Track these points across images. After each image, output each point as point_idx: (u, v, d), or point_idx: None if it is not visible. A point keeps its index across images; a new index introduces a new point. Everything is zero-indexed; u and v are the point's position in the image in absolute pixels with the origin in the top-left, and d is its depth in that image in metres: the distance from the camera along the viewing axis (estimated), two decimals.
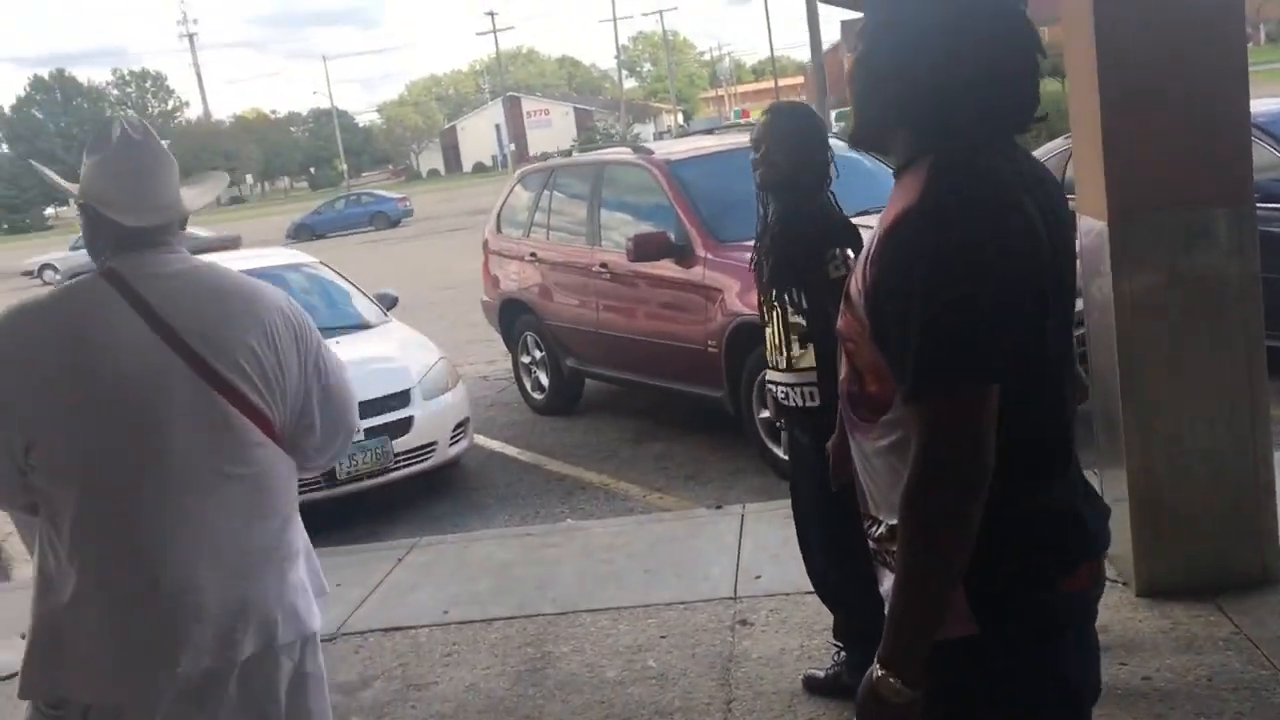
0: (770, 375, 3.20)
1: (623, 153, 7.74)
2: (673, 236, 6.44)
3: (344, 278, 7.74)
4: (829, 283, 2.87)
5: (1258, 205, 3.88)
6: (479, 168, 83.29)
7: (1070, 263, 1.76)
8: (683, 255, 6.40)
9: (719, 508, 5.49)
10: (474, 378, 9.78)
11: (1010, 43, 1.64)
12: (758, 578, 4.51)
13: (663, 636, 4.11)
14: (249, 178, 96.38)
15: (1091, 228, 3.83)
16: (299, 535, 2.30)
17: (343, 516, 6.14)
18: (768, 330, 3.14)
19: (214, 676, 2.13)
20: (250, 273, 7.19)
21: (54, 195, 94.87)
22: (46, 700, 2.12)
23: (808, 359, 3.01)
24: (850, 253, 2.86)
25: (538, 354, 8.07)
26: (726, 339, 6.02)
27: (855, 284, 1.69)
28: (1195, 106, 3.67)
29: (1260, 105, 5.65)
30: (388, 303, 7.55)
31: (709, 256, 6.27)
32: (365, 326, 7.21)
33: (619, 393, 7.90)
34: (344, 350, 6.67)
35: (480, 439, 7.50)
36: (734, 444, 6.40)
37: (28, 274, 32.20)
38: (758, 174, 3.04)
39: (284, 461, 2.25)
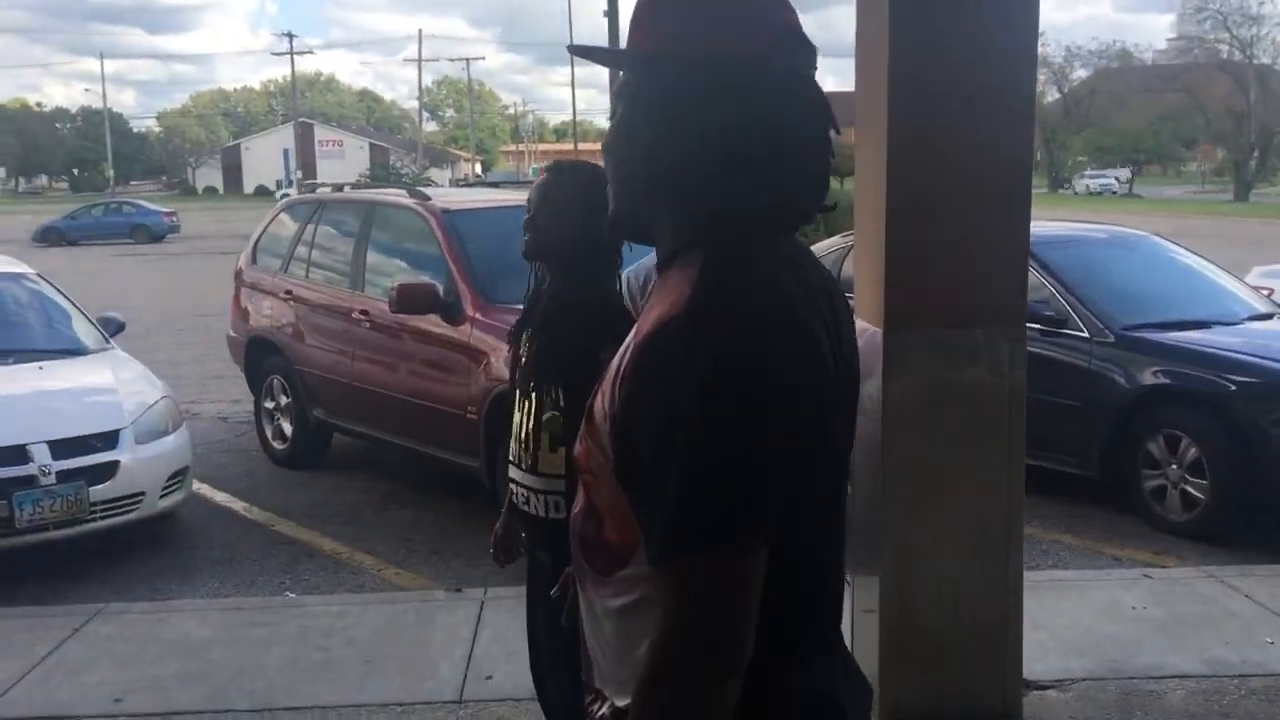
0: (511, 472, 2.75)
1: (397, 194, 7.25)
2: (441, 290, 6.00)
3: (64, 295, 6.87)
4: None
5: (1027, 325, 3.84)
6: (261, 190, 79.73)
7: (854, 385, 1.46)
8: (450, 312, 5.96)
9: (459, 590, 5.02)
10: (213, 417, 8.96)
11: (800, 115, 1.34)
12: (488, 678, 4.07)
13: None
14: (2, 171, 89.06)
15: (865, 329, 3.67)
16: None
17: (21, 570, 5.30)
18: (515, 416, 2.74)
19: None
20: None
21: None
22: None
23: (556, 464, 2.59)
24: None
25: (283, 400, 7.39)
26: (488, 406, 5.60)
27: (600, 403, 1.33)
28: (977, 226, 3.59)
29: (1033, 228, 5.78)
30: (112, 328, 6.74)
31: (478, 316, 5.86)
32: (80, 352, 6.38)
33: (371, 450, 7.31)
34: (49, 377, 5.96)
35: (204, 490, 6.75)
36: (487, 517, 5.89)
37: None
38: (522, 240, 2.66)
39: None
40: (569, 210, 2.57)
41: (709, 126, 1.30)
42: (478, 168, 79.38)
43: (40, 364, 6.03)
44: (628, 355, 1.28)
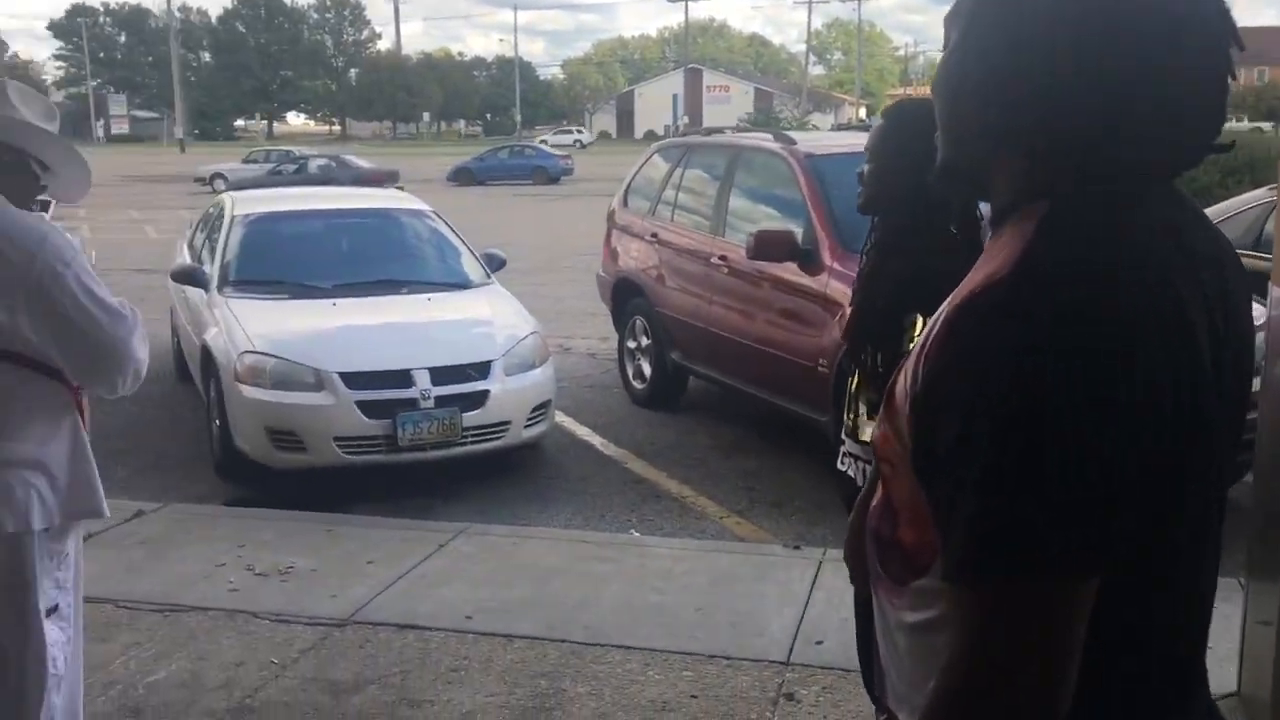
0: (842, 433, 2.62)
1: (763, 138, 7.14)
2: (799, 238, 5.85)
3: (455, 232, 7.39)
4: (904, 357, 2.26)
5: None
6: (650, 135, 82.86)
7: (1246, 374, 1.16)
8: (807, 260, 5.80)
9: (797, 548, 4.92)
10: (582, 353, 9.38)
11: (1184, 34, 1.05)
12: (819, 643, 3.93)
13: (693, 696, 3.58)
14: (426, 116, 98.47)
15: None
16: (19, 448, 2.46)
17: (404, 486, 5.79)
18: (848, 378, 2.56)
19: None
20: (360, 212, 6.90)
21: (246, 107, 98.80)
22: None
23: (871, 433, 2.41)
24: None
25: (644, 341, 7.58)
26: (839, 360, 5.40)
27: (903, 381, 1.13)
28: None
29: None
30: (494, 264, 7.16)
31: (835, 265, 5.66)
32: (464, 286, 6.84)
33: (724, 396, 7.35)
34: (436, 308, 6.43)
35: (566, 422, 7.07)
36: (831, 475, 5.79)
37: (200, 180, 33.38)
38: (858, 194, 2.45)
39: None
40: (898, 159, 2.32)
41: (1060, 47, 1.05)
42: (862, 112, 77.91)
43: (429, 295, 6.52)
44: (936, 326, 1.08)
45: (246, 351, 5.70)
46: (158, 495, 5.68)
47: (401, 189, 26.72)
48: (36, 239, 2.42)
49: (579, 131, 77.37)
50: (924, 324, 2.20)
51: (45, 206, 8.28)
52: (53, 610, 2.61)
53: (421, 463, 5.70)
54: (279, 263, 6.76)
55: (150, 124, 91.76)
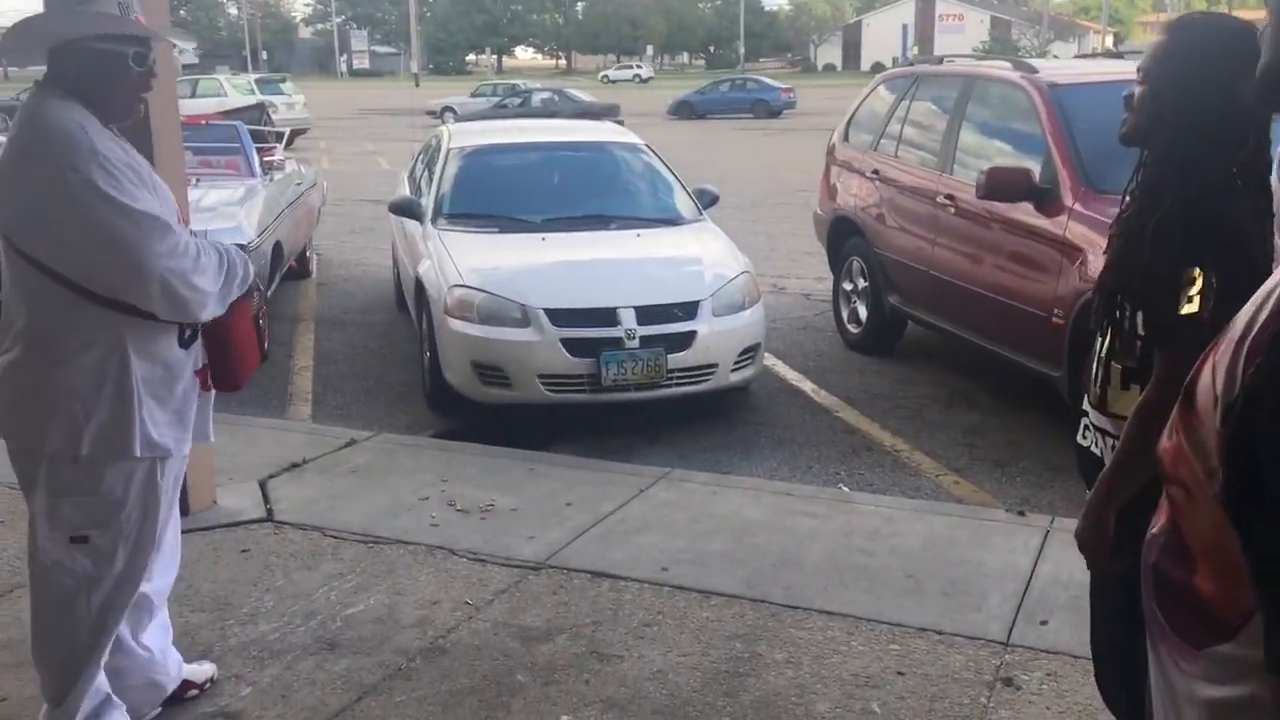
0: (1084, 400, 2.26)
1: (1000, 66, 6.56)
2: (1036, 176, 5.33)
3: (668, 167, 7.18)
4: (1177, 319, 1.88)
5: None
6: (877, 67, 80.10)
7: None
8: (1044, 200, 5.29)
9: (1021, 514, 4.52)
10: (796, 294, 9.06)
11: None
12: (1043, 623, 3.58)
13: (899, 673, 3.31)
14: (650, 49, 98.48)
15: None
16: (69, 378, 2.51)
17: (605, 426, 5.70)
18: (1096, 339, 2.20)
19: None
20: (572, 145, 6.79)
21: (477, 42, 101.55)
22: None
23: (1124, 404, 2.04)
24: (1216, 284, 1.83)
25: (861, 283, 7.20)
26: (1076, 311, 4.91)
27: (1209, 378, 0.83)
28: None
29: None
30: (706, 200, 6.92)
31: (1077, 207, 5.13)
32: (674, 223, 6.64)
33: (943, 343, 6.90)
34: (644, 245, 6.26)
35: (776, 365, 6.81)
36: (1063, 435, 5.30)
37: (431, 113, 34.48)
38: (1121, 122, 2.07)
39: (59, 302, 2.48)
40: (1181, 81, 1.93)
41: None
42: (1108, 40, 72.65)
43: (638, 232, 6.36)
44: (1265, 313, 0.77)
45: (456, 285, 5.70)
46: (371, 423, 5.80)
47: (621, 123, 26.84)
48: (41, 143, 2.45)
49: (638, 66, 77.99)
50: (1203, 280, 1.83)
51: (279, 136, 8.50)
52: (79, 539, 2.61)
53: (624, 403, 5.59)
54: (491, 196, 6.75)
55: (388, 59, 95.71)
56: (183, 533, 4.19)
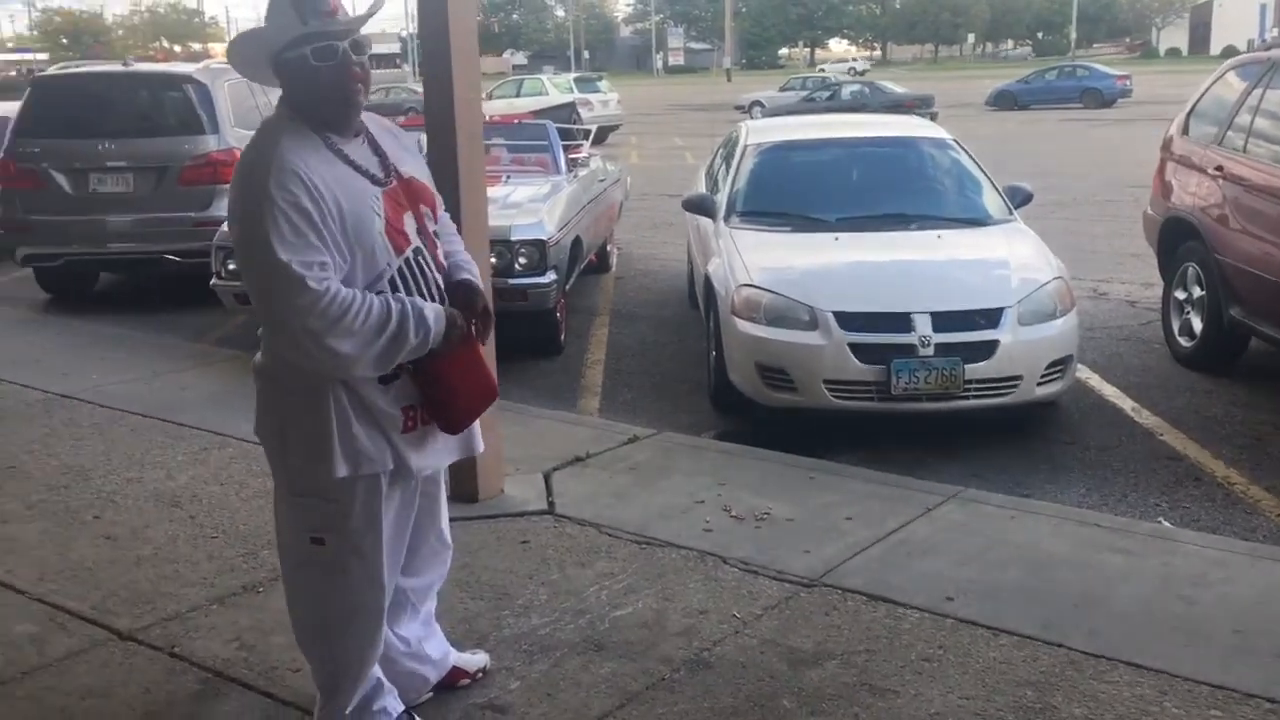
0: None
1: None
2: None
3: (975, 163, 6.75)
4: None
5: None
6: (1229, 51, 73.13)
7: None
8: None
9: None
10: (1119, 300, 8.32)
11: None
12: None
13: None
14: (971, 37, 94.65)
15: None
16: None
17: (891, 437, 5.41)
18: None
19: None
20: (873, 141, 6.54)
21: (790, 35, 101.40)
22: None
23: None
24: None
25: (1196, 291, 6.47)
26: None
27: None
28: None
29: None
30: (1018, 199, 6.43)
31: None
32: (980, 223, 6.22)
33: None
34: (945, 247, 5.90)
35: (1091, 379, 6.25)
36: None
37: (739, 108, 34.68)
38: None
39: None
40: None
41: None
42: None
43: (939, 232, 6.00)
44: None
45: (744, 285, 5.59)
46: (655, 420, 5.80)
47: (934, 115, 25.84)
48: (244, 168, 2.45)
49: (854, 60, 70.03)
50: None
51: (586, 134, 8.71)
52: (317, 541, 2.67)
53: (915, 414, 5.28)
54: (785, 193, 6.59)
55: (702, 55, 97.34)
56: (471, 519, 4.38)
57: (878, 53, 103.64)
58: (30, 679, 3.26)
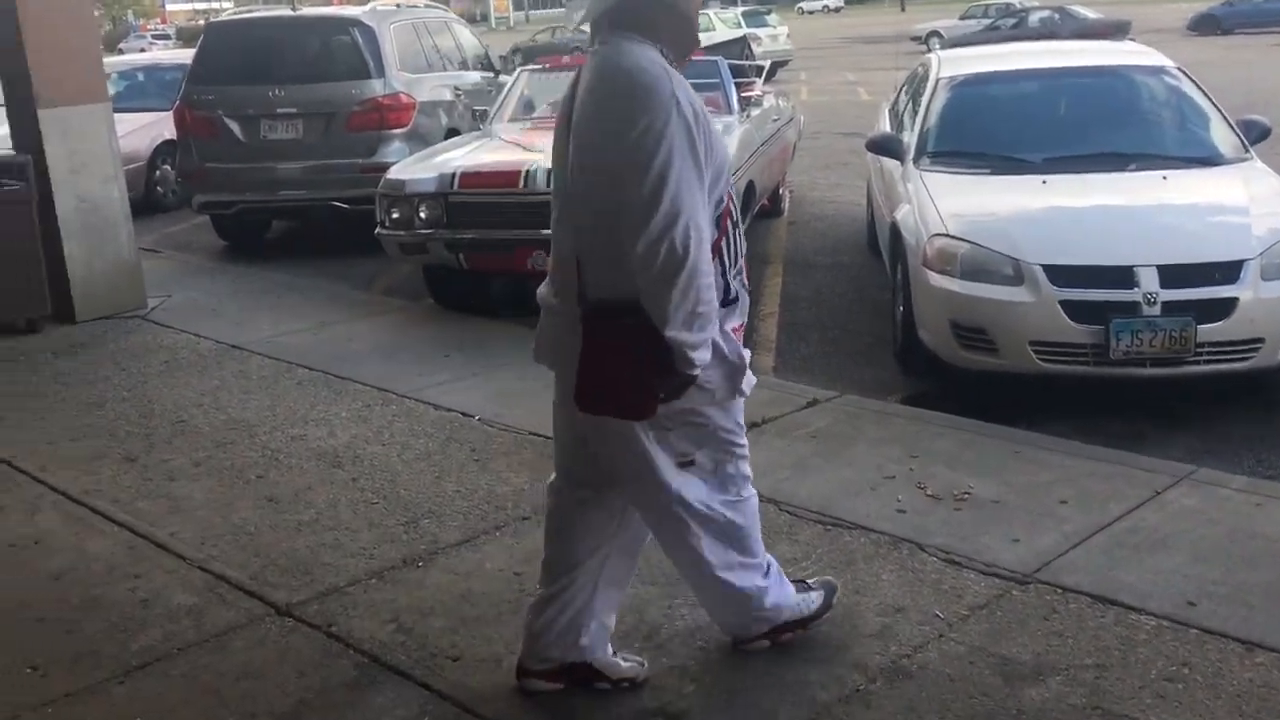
0: None
1: None
2: None
3: (1204, 93, 5.98)
4: None
5: None
6: None
7: None
8: None
9: None
10: None
11: None
12: None
13: None
14: None
15: None
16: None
17: (1106, 405, 4.85)
18: None
19: None
20: (1083, 71, 5.88)
21: None
22: None
23: None
24: None
25: None
26: None
27: None
28: None
29: None
30: (1254, 134, 5.67)
31: None
32: (1211, 162, 5.50)
33: None
34: (1172, 190, 5.23)
35: None
36: None
37: (915, 39, 33.14)
38: None
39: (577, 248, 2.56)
40: None
41: None
42: None
43: (1164, 173, 5.32)
44: None
45: (937, 234, 5.07)
46: (834, 379, 5.39)
47: (1131, 40, 24.06)
48: (644, 84, 2.42)
49: None
50: None
51: (759, 70, 8.23)
52: (688, 463, 2.68)
53: (1136, 380, 4.70)
54: (984, 132, 5.99)
55: None
56: None
57: None
58: (186, 656, 3.13)
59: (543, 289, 2.73)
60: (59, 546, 3.85)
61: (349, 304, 7.17)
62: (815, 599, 3.10)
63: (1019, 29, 28.84)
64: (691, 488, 2.69)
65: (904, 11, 60.36)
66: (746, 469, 2.85)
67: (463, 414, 4.97)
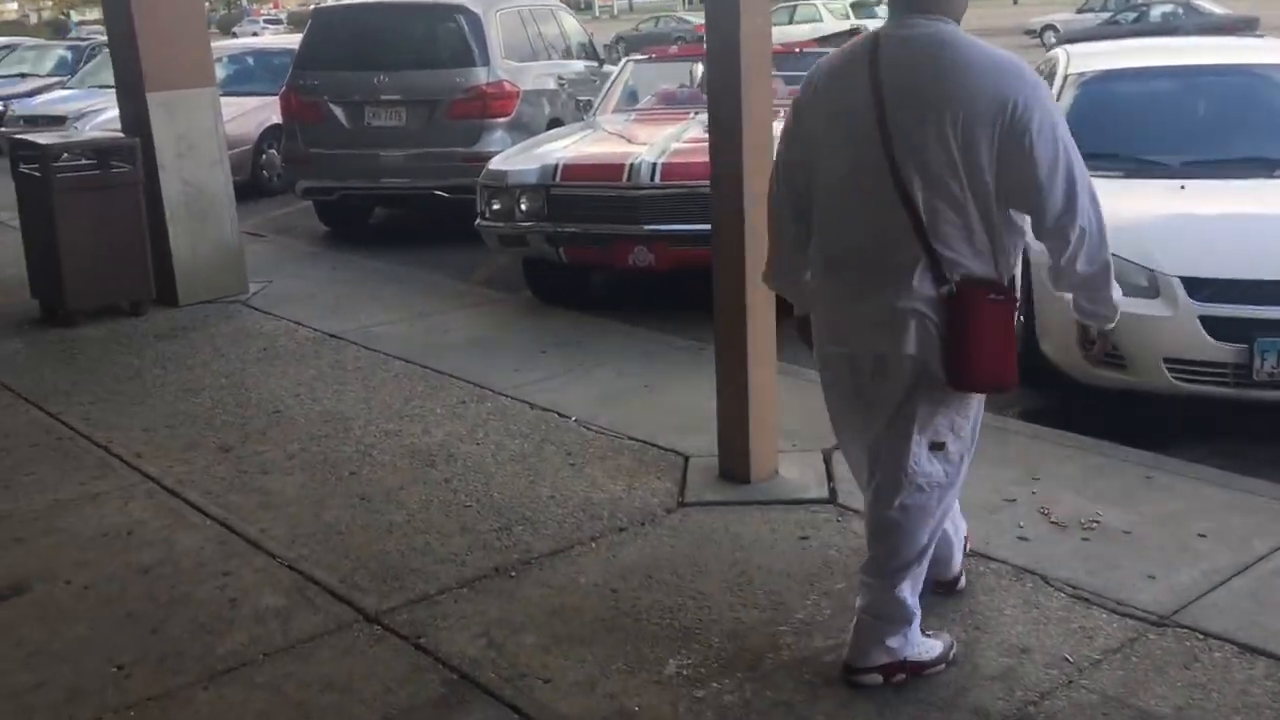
0: None
1: None
2: None
3: None
4: None
5: None
6: None
7: None
8: None
9: None
10: None
11: None
12: None
13: None
14: None
15: None
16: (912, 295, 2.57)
17: (1246, 429, 4.51)
18: None
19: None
20: (1224, 69, 5.47)
21: None
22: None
23: None
24: None
25: None
26: None
27: None
28: None
29: None
30: None
31: None
32: None
33: None
34: None
35: None
36: None
37: (1030, 33, 32.19)
38: None
39: (912, 224, 2.54)
40: None
41: None
42: None
43: None
44: None
45: None
46: None
47: (1262, 37, 22.97)
48: (1030, 74, 2.55)
49: None
50: None
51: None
52: (938, 447, 2.72)
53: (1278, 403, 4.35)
54: (1117, 132, 5.61)
55: None
56: (743, 505, 3.88)
57: None
58: (272, 662, 3.04)
59: (824, 282, 2.75)
60: (150, 538, 3.80)
61: (447, 294, 7.11)
62: (935, 647, 2.88)
63: (1140, 23, 27.76)
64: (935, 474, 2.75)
65: (1016, 4, 58.73)
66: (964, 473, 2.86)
67: (559, 414, 4.84)
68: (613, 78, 8.20)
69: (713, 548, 3.60)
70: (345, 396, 5.19)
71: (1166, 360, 4.39)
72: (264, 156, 11.24)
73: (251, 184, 10.85)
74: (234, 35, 37.73)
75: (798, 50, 8.67)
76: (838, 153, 2.62)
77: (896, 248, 2.55)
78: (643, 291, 7.04)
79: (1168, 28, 25.78)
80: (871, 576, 2.79)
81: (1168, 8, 29.39)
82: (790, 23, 28.33)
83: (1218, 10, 28.69)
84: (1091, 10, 33.80)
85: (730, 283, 3.98)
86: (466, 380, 5.32)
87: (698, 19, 44.17)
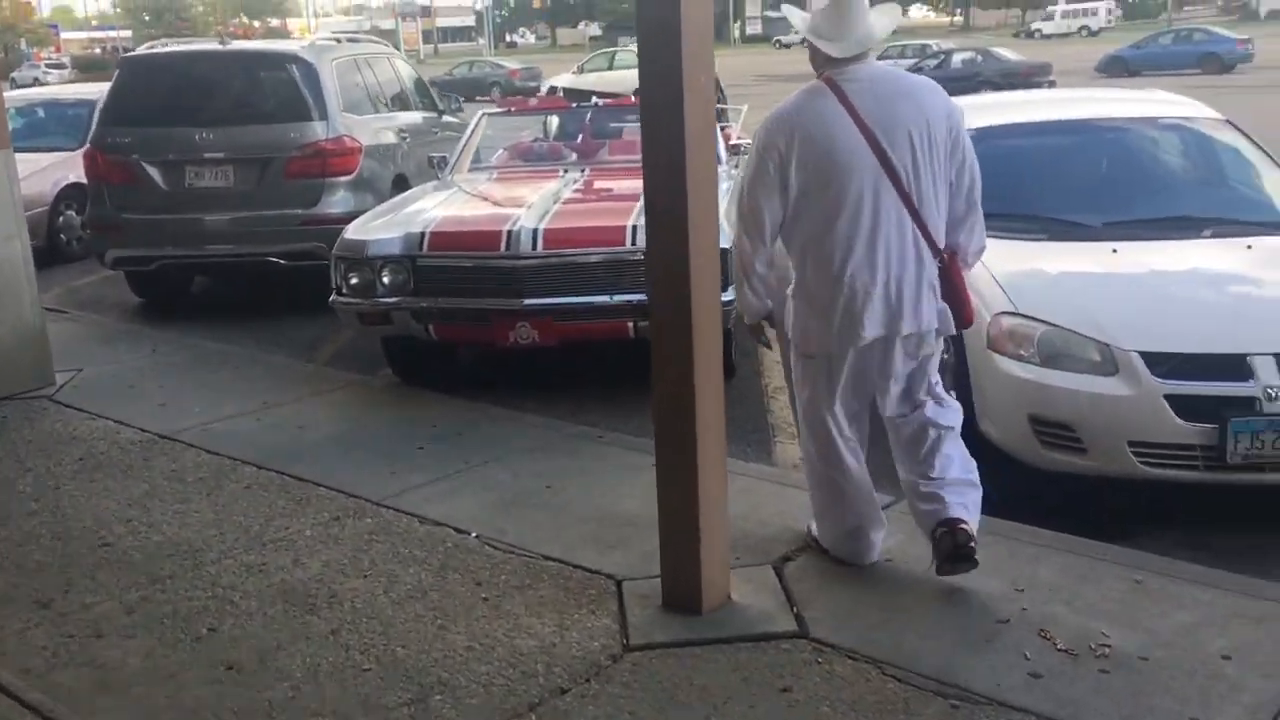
0: None
1: None
2: None
3: (1260, 147, 5.45)
4: None
5: None
6: None
7: None
8: None
9: None
10: None
11: None
12: None
13: None
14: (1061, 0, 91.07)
15: None
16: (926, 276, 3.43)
17: (1222, 514, 4.22)
18: None
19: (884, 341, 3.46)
20: (1124, 122, 5.46)
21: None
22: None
23: None
24: None
25: None
26: None
27: None
28: None
29: None
30: None
31: None
32: None
33: None
34: (1263, 261, 4.61)
35: None
36: None
37: None
38: None
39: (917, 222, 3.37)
40: None
41: None
42: None
43: (1248, 241, 4.73)
44: None
45: (1005, 312, 4.40)
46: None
47: (1053, 83, 24.10)
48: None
49: (1089, 15, 65.47)
50: None
51: (737, 114, 7.46)
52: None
53: (1258, 487, 4.06)
54: (1026, 191, 5.33)
55: (779, 23, 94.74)
56: (699, 645, 3.27)
57: (959, 18, 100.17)
58: None
59: (857, 276, 3.37)
60: None
61: (293, 378, 6.26)
62: None
63: (942, 69, 28.90)
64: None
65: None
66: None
67: (455, 529, 4.14)
68: (468, 132, 7.55)
69: (680, 711, 2.98)
70: (190, 519, 4.33)
71: (1131, 444, 4.04)
72: (61, 219, 10.04)
73: (48, 249, 9.64)
74: (13, 82, 34.97)
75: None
76: (841, 180, 3.31)
77: (908, 240, 3.36)
78: (518, 365, 6.39)
79: (969, 74, 26.90)
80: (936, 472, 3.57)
81: (967, 54, 30.77)
82: (610, 68, 28.21)
83: (1013, 57, 30.22)
84: (890, 58, 35.06)
85: (674, 369, 3.34)
86: (336, 489, 4.56)
87: (511, 64, 43.75)
